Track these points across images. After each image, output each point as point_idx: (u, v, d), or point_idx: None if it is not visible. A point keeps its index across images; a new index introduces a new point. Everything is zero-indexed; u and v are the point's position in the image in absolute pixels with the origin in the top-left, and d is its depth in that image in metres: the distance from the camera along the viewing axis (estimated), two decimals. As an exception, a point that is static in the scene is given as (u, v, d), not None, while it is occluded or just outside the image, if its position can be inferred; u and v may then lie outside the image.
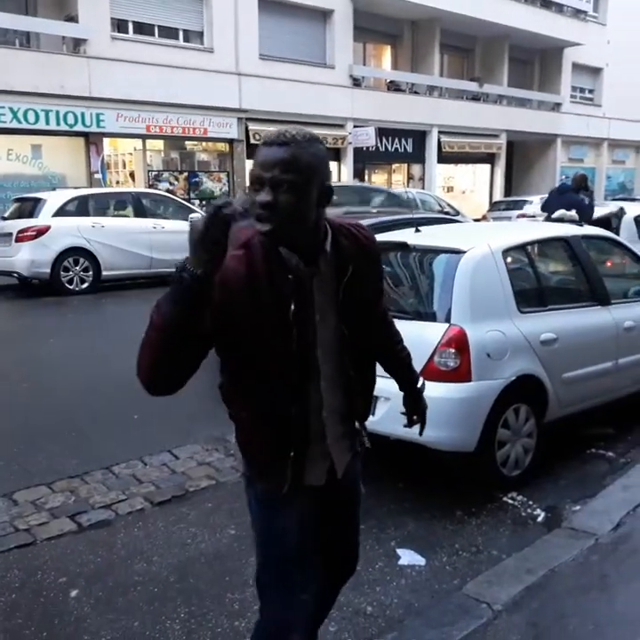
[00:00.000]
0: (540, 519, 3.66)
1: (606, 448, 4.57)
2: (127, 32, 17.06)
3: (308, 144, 1.62)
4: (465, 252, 3.95)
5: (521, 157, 28.71)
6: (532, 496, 3.88)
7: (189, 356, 1.60)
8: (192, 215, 12.50)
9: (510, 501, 3.84)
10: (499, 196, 25.84)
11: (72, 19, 15.90)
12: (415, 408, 2.18)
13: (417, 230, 4.53)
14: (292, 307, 1.66)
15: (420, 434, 2.20)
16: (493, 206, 22.62)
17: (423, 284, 4.29)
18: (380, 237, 4.73)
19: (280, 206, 1.59)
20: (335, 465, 1.87)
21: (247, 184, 1.65)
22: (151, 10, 17.32)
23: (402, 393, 2.20)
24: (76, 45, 16.07)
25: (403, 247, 4.31)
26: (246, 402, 1.79)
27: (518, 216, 19.39)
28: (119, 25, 16.88)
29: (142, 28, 17.35)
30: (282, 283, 1.66)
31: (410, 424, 2.20)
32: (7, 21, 15.03)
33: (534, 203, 20.03)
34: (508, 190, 27.11)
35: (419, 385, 2.19)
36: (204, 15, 18.10)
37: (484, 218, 19.70)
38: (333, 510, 1.96)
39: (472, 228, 6.41)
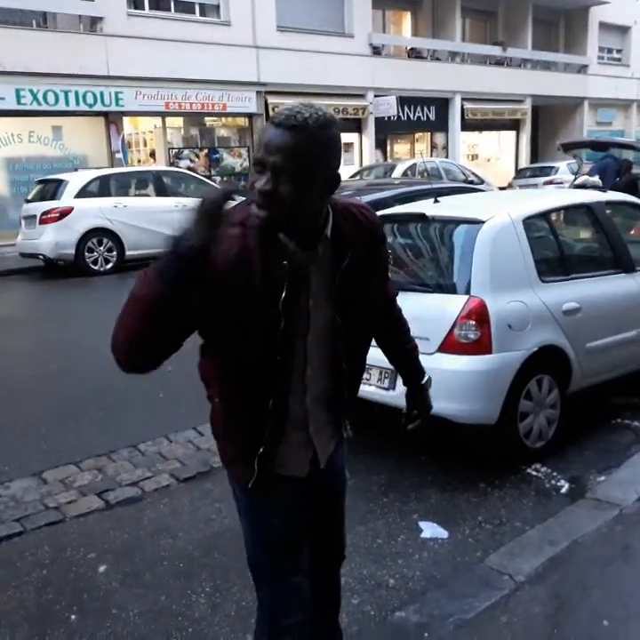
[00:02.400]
0: (563, 490, 3.64)
1: (632, 418, 4.50)
2: (143, 8, 16.96)
3: (319, 130, 1.47)
4: (484, 222, 3.88)
5: (547, 123, 28.07)
6: (555, 467, 3.85)
7: (171, 334, 1.52)
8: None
9: (534, 473, 3.82)
10: (524, 162, 25.39)
11: (88, -3, 15.84)
12: (418, 406, 2.06)
13: (436, 201, 4.46)
14: (284, 294, 1.56)
15: (418, 437, 2.05)
16: (519, 174, 22.21)
17: (442, 255, 4.23)
18: (398, 209, 4.71)
19: (280, 196, 1.47)
20: (318, 455, 1.80)
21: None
22: (167, -16, 17.17)
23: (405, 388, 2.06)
24: (93, 24, 16.03)
25: (421, 218, 4.25)
26: (222, 388, 1.72)
27: (545, 183, 19.04)
28: (135, 1, 16.76)
29: (158, 4, 17.22)
30: (276, 268, 1.56)
31: (408, 421, 2.07)
32: (23, 2, 15.02)
33: (561, 169, 19.63)
34: (534, 157, 26.58)
35: (424, 381, 2.05)
36: (220, -13, 17.89)
37: (510, 186, 19.35)
38: (317, 499, 1.91)
39: (492, 197, 6.30)
